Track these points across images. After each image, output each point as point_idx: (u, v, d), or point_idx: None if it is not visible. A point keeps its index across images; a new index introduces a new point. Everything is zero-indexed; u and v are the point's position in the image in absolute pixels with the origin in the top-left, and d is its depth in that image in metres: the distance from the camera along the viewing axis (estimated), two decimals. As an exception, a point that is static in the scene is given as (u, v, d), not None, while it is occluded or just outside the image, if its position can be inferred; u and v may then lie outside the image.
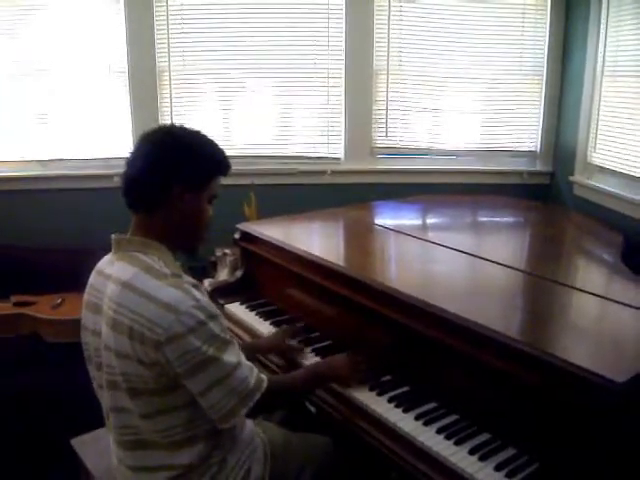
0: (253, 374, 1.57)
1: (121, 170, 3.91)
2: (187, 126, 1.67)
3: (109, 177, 3.81)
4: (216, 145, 1.68)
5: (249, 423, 1.79)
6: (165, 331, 1.43)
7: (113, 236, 1.63)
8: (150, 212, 1.60)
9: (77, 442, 2.04)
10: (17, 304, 3.23)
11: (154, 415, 1.53)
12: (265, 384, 1.58)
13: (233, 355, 1.53)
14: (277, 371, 2.13)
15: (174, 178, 1.58)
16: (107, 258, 1.66)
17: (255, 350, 2.13)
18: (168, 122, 1.69)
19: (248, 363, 1.58)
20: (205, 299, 1.53)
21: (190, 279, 1.57)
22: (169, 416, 1.54)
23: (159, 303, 1.45)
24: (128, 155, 1.63)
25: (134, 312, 1.47)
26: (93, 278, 1.67)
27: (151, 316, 1.45)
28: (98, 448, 1.97)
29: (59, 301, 3.27)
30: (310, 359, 2.08)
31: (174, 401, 1.52)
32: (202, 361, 1.46)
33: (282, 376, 1.79)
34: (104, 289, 1.58)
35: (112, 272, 1.58)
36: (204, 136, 1.67)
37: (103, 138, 3.90)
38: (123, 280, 1.52)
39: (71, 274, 3.22)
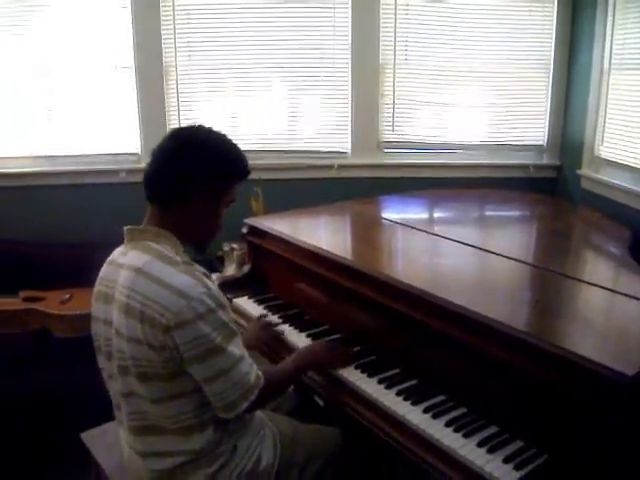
0: (253, 370, 1.61)
1: (128, 165, 3.96)
2: (215, 129, 1.70)
3: (116, 172, 3.83)
4: (240, 151, 1.72)
5: (258, 412, 1.81)
6: (175, 316, 1.47)
7: (126, 228, 1.67)
8: (167, 206, 1.64)
9: (87, 436, 2.06)
10: (26, 299, 3.24)
11: (164, 400, 1.56)
12: (262, 380, 1.63)
13: (237, 348, 1.57)
14: (268, 353, 2.21)
15: (196, 179, 1.62)
16: (119, 250, 1.69)
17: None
18: (198, 123, 1.72)
19: (249, 358, 1.61)
20: (216, 288, 1.57)
21: (201, 268, 1.61)
22: (178, 401, 1.57)
23: (171, 288, 1.49)
24: (154, 148, 1.66)
25: (146, 297, 1.50)
26: (104, 270, 1.69)
27: (162, 301, 1.48)
28: (108, 442, 1.98)
29: (67, 296, 3.28)
30: (297, 337, 2.17)
31: (183, 387, 1.55)
32: (209, 349, 1.50)
33: (273, 371, 1.82)
34: (116, 278, 1.60)
35: (125, 261, 1.61)
36: (230, 141, 1.70)
37: (110, 134, 3.90)
38: (136, 266, 1.55)
39: (78, 269, 3.22)
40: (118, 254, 1.68)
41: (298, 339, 2.16)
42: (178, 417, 1.58)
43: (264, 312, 2.37)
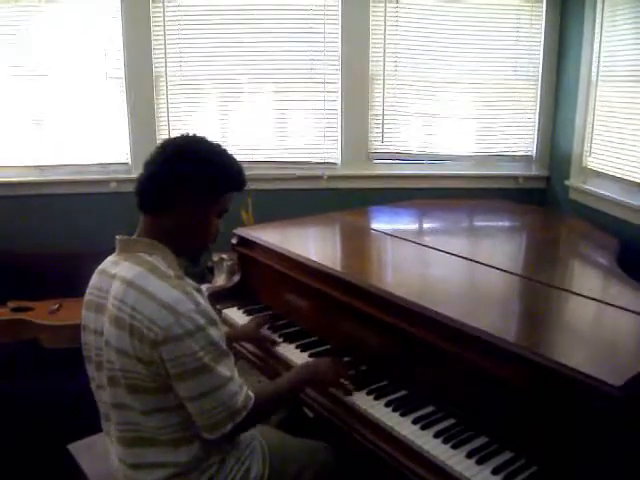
0: (242, 391, 1.57)
1: (118, 175, 3.95)
2: (208, 138, 1.69)
3: (106, 182, 3.83)
4: (234, 161, 1.69)
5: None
6: (162, 331, 1.45)
7: (118, 237, 1.66)
8: (159, 215, 1.63)
9: (74, 447, 2.04)
10: (15, 309, 3.22)
11: (153, 412, 1.55)
12: (252, 402, 1.58)
13: (227, 368, 1.54)
14: (252, 359, 2.22)
15: (187, 186, 1.60)
16: (110, 259, 1.67)
17: (231, 339, 2.17)
18: (191, 132, 1.72)
19: (239, 379, 1.58)
20: (206, 304, 1.54)
21: (193, 282, 1.59)
22: (168, 414, 1.55)
23: (160, 302, 1.47)
24: (147, 157, 1.65)
25: (135, 309, 1.48)
26: (95, 279, 1.68)
27: (150, 315, 1.46)
28: (95, 453, 1.96)
29: (56, 307, 3.27)
30: (285, 348, 2.16)
31: (172, 400, 1.53)
32: (196, 368, 1.48)
33: (267, 388, 1.79)
34: (108, 288, 1.59)
35: (117, 271, 1.59)
36: (224, 150, 1.68)
37: (100, 144, 3.91)
38: (127, 278, 1.54)
39: (68, 279, 3.22)
40: (109, 264, 1.66)
41: (287, 350, 2.16)
42: (168, 429, 1.56)
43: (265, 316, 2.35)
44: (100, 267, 1.69)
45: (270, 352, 2.19)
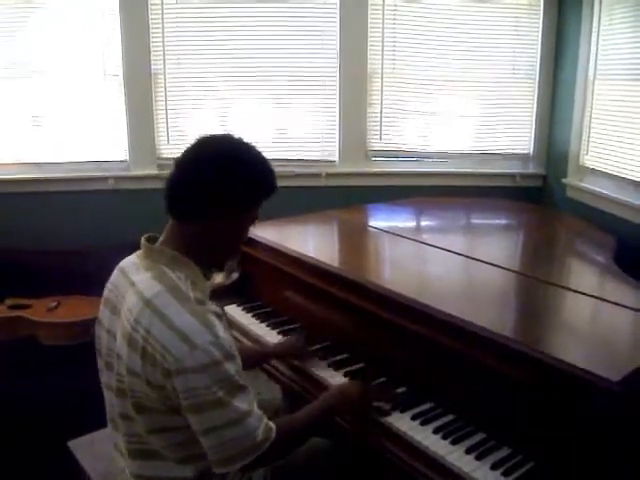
0: (262, 424, 1.47)
1: (116, 173, 3.93)
2: (244, 139, 1.59)
3: (104, 180, 3.82)
4: (272, 167, 1.60)
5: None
6: (176, 361, 1.37)
7: (143, 239, 1.57)
8: (187, 222, 1.53)
9: (74, 444, 2.03)
10: (12, 307, 3.22)
11: (158, 431, 1.49)
12: (274, 434, 1.48)
13: (245, 402, 1.43)
14: (282, 380, 2.10)
15: (227, 198, 1.50)
16: (133, 260, 1.60)
17: (262, 355, 2.11)
18: (227, 132, 1.59)
19: (258, 412, 1.47)
20: (225, 335, 1.45)
21: (214, 307, 1.51)
22: (173, 434, 1.49)
23: (176, 330, 1.39)
24: (179, 156, 1.54)
25: (150, 333, 1.40)
26: (115, 276, 1.62)
27: (165, 342, 1.39)
28: (95, 450, 1.96)
29: (54, 304, 3.26)
30: (323, 370, 2.02)
31: (179, 421, 1.46)
32: (209, 402, 1.38)
33: (290, 419, 1.66)
34: (125, 294, 1.53)
35: (136, 280, 1.51)
36: (262, 157, 1.59)
37: (98, 141, 3.90)
38: (146, 297, 1.45)
39: (66, 277, 3.23)
40: (131, 265, 1.58)
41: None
42: (173, 447, 1.51)
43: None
44: (122, 264, 1.62)
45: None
